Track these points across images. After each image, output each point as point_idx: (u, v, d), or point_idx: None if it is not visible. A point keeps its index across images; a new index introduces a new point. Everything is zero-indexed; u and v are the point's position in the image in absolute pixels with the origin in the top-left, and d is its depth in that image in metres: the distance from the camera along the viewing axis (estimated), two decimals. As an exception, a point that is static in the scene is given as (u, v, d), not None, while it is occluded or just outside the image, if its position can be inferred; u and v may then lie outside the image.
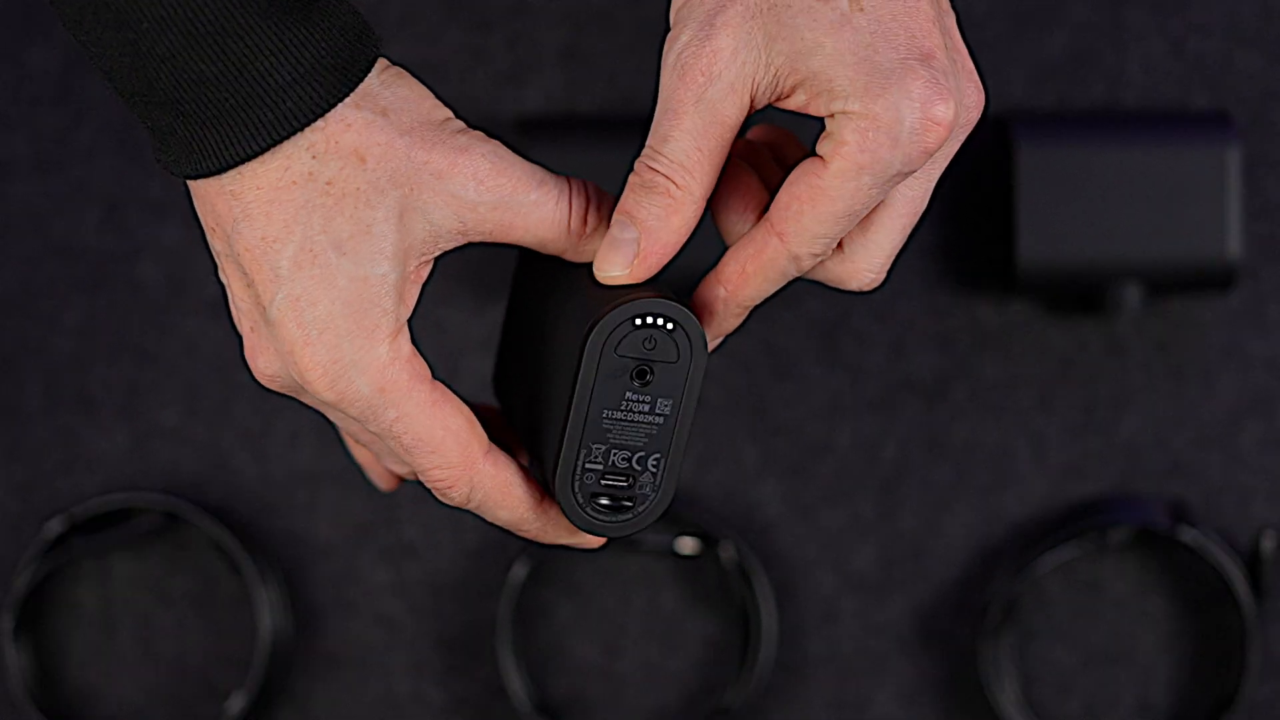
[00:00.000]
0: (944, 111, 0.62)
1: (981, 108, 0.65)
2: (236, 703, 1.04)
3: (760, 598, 1.04)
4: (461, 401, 0.66)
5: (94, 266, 1.07)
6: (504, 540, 1.07)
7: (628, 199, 0.65)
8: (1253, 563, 1.04)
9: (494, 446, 0.67)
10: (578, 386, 0.64)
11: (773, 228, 0.65)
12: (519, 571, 1.04)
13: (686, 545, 1.05)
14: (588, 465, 0.65)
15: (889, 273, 0.70)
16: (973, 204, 1.06)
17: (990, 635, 1.03)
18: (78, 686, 1.08)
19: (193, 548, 1.08)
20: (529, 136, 1.02)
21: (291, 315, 0.63)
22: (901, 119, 0.62)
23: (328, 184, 0.62)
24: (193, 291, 1.07)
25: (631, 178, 0.65)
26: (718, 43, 0.63)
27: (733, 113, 0.64)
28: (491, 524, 0.69)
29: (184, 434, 1.07)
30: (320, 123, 0.62)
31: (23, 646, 1.06)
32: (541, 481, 0.68)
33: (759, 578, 1.04)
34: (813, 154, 0.64)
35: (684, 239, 0.65)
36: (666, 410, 0.65)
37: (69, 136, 1.07)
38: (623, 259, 0.65)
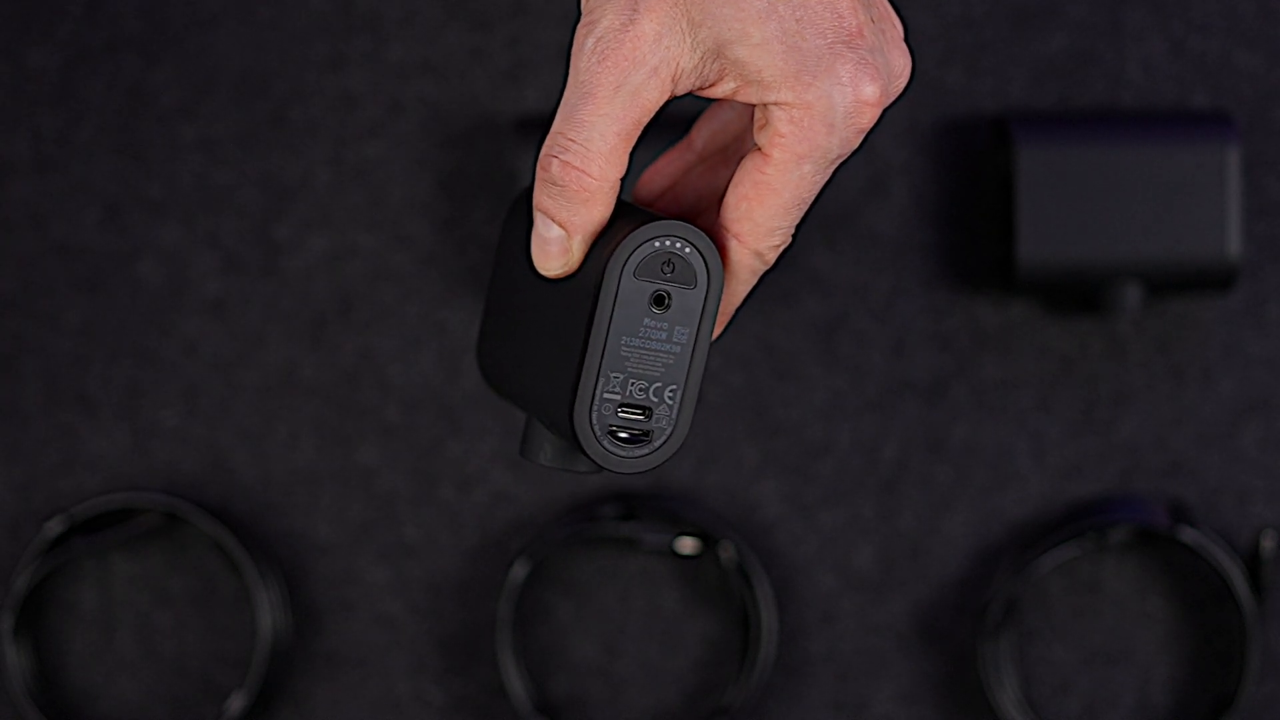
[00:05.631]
0: (873, 91, 0.63)
1: (909, 72, 0.66)
2: (236, 703, 1.04)
3: (760, 598, 1.04)
4: None
5: (94, 266, 1.07)
6: (504, 540, 1.07)
7: (545, 197, 0.65)
8: (1252, 563, 1.04)
9: None
10: (597, 311, 0.64)
11: (728, 231, 0.66)
12: (519, 571, 1.04)
13: (686, 545, 1.05)
14: (605, 395, 0.65)
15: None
16: (972, 204, 1.06)
17: (990, 635, 1.03)
18: (78, 686, 1.08)
19: (193, 548, 1.08)
20: (529, 136, 1.02)
21: None
22: (834, 105, 0.63)
23: None
24: (193, 291, 1.07)
25: (543, 172, 0.65)
26: (641, 28, 0.63)
27: (653, 98, 0.64)
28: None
29: (184, 434, 1.07)
30: None
31: (22, 646, 1.06)
32: (552, 427, 0.68)
33: (759, 578, 1.04)
34: (753, 148, 0.65)
35: (608, 218, 0.66)
36: (683, 339, 0.65)
37: (69, 136, 1.07)
38: (557, 258, 0.66)
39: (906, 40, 0.73)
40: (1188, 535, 1.02)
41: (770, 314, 1.06)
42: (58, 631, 1.08)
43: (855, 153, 0.71)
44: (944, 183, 1.06)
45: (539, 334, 0.69)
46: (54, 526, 1.04)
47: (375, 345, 1.08)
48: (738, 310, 0.68)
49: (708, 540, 1.05)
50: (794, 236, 0.67)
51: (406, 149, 1.07)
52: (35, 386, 1.07)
